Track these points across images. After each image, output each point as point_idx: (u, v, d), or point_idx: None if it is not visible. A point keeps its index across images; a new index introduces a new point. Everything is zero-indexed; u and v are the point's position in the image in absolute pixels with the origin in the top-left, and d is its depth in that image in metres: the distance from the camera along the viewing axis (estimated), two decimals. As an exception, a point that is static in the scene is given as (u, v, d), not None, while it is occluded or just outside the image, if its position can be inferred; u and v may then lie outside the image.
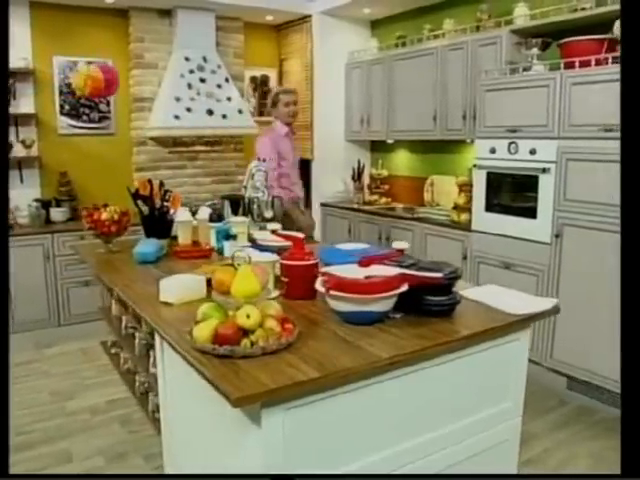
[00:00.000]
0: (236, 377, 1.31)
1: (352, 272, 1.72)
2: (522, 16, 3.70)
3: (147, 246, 2.60)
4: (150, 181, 2.94)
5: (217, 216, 2.90)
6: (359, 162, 5.40)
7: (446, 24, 4.29)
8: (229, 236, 2.70)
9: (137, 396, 2.50)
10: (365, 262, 1.74)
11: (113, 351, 2.98)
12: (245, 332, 1.45)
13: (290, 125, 3.93)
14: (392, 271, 1.73)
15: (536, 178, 3.32)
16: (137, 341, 2.47)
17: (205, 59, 4.67)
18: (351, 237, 4.98)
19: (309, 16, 5.07)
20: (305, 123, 5.38)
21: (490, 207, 3.66)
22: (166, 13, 4.61)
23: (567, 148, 3.14)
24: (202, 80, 4.62)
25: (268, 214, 3.24)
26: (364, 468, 1.53)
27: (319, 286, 1.72)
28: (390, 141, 5.18)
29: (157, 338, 2.02)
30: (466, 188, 4.01)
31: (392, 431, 1.59)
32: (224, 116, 4.68)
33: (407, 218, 4.46)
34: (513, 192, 3.52)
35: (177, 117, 4.43)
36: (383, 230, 4.69)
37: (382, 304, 1.67)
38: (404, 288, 1.69)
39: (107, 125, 4.63)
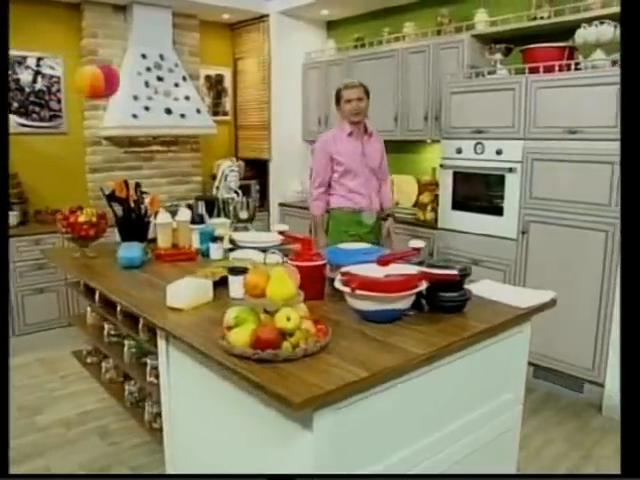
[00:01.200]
0: (286, 381, 1.30)
1: (372, 271, 1.74)
2: (482, 22, 3.85)
3: (132, 250, 2.50)
4: (126, 182, 2.83)
5: (199, 218, 2.83)
6: (317, 162, 5.43)
7: (406, 27, 4.39)
8: (215, 238, 2.65)
9: (126, 406, 2.40)
10: (384, 261, 1.77)
11: (89, 360, 2.84)
12: (283, 335, 1.43)
13: (358, 124, 3.31)
14: (410, 269, 1.77)
15: (502, 177, 3.48)
16: (126, 349, 2.37)
17: (162, 57, 4.53)
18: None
19: (266, 15, 5.03)
20: (263, 123, 5.34)
21: (456, 205, 3.79)
22: (121, 8, 4.44)
23: (532, 149, 3.30)
24: (159, 78, 4.48)
25: (243, 215, 3.21)
26: (395, 464, 1.55)
27: (340, 286, 1.73)
28: (348, 141, 5.23)
29: (162, 345, 1.95)
30: (431, 187, 4.13)
31: (417, 426, 1.62)
32: (182, 115, 4.57)
33: (371, 217, 4.53)
34: (480, 191, 3.66)
35: (135, 116, 4.27)
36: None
37: (405, 302, 1.71)
38: (424, 286, 1.74)
39: (59, 124, 4.40)
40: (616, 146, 2.93)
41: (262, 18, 5.08)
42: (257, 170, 5.44)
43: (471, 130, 3.62)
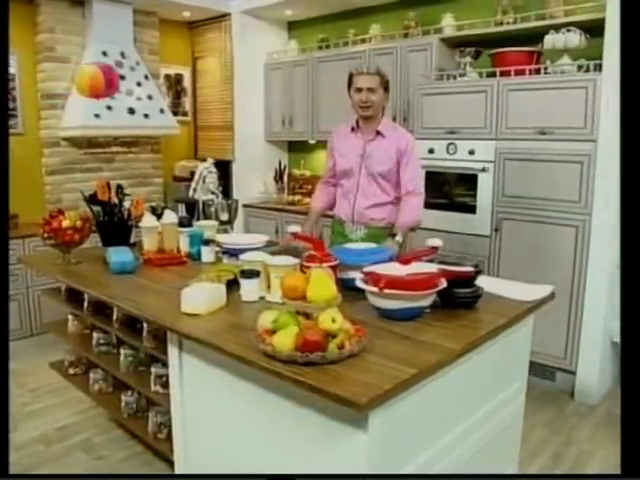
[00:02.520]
0: (341, 382, 1.30)
1: (395, 270, 1.76)
2: (449, 26, 3.97)
3: (123, 255, 2.41)
4: (108, 184, 2.72)
5: (187, 220, 2.76)
6: (280, 163, 5.42)
7: (373, 29, 4.45)
8: (207, 241, 2.59)
9: (123, 417, 2.30)
10: (405, 260, 1.79)
11: (72, 372, 2.70)
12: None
13: (368, 120, 2.79)
14: (430, 268, 1.81)
15: (475, 176, 3.60)
16: (122, 358, 2.28)
17: (123, 55, 4.38)
18: (280, 238, 4.97)
19: (228, 14, 4.96)
20: (225, 123, 5.26)
21: (429, 204, 3.87)
22: (79, 3, 4.25)
23: (504, 149, 3.44)
24: (121, 77, 4.31)
25: (224, 217, 3.16)
26: (427, 461, 1.58)
27: (363, 285, 1.74)
28: (312, 141, 5.25)
29: (173, 352, 1.89)
30: (402, 187, 4.20)
31: (443, 422, 1.66)
32: (146, 115, 4.43)
33: (341, 217, 4.56)
34: (453, 189, 3.77)
35: (97, 116, 4.11)
36: (315, 229, 4.74)
37: (428, 299, 1.74)
38: (445, 283, 1.78)
39: (14, 124, 4.16)
40: (585, 146, 3.10)
41: (223, 17, 5.01)
42: (219, 171, 5.34)
43: (443, 131, 3.72)
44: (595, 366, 3.25)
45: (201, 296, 1.81)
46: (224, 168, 5.42)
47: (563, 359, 3.36)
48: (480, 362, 1.76)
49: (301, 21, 5.21)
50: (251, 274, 1.93)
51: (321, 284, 1.46)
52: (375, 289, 1.68)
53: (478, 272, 1.90)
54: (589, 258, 3.18)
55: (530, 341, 2.11)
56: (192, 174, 5.33)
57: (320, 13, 4.94)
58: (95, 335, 2.48)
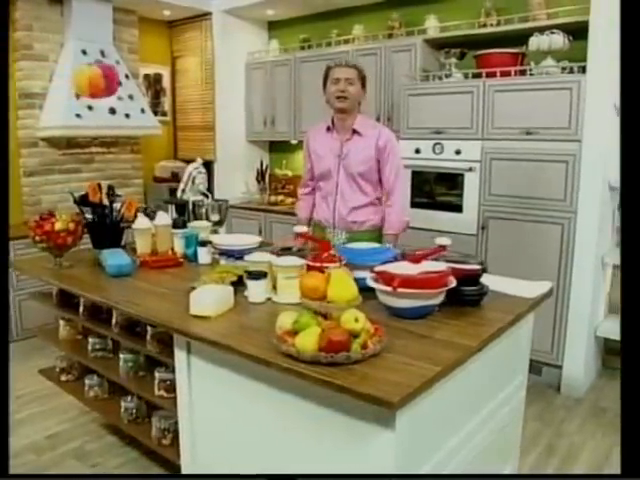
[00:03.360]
0: (369, 381, 1.31)
1: (407, 269, 1.78)
2: (433, 27, 4.02)
3: (120, 257, 2.36)
4: (99, 185, 2.66)
5: (182, 222, 2.72)
6: (262, 163, 5.39)
7: (355, 30, 4.47)
8: (204, 242, 2.57)
9: (124, 423, 2.25)
10: (416, 259, 1.81)
11: (64, 378, 2.63)
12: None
13: (343, 114, 2.71)
14: (440, 266, 1.82)
15: (462, 176, 3.65)
16: (121, 363, 2.23)
17: (103, 53, 4.29)
18: (265, 238, 4.95)
19: (209, 13, 4.91)
20: (206, 123, 5.21)
21: (416, 203, 3.92)
22: (57, 1, 4.14)
23: (491, 149, 3.50)
24: (102, 76, 4.24)
25: (214, 217, 3.13)
26: (445, 457, 1.60)
27: (376, 284, 1.75)
28: (294, 141, 5.24)
29: (180, 356, 1.87)
30: (388, 186, 4.23)
31: (457, 418, 1.68)
32: (127, 115, 4.35)
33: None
34: (439, 189, 3.81)
35: (78, 116, 4.01)
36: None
37: (440, 297, 1.76)
38: (455, 281, 1.80)
39: (-10, 124, 4.02)
40: (570, 146, 3.18)
41: (204, 16, 4.95)
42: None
43: (429, 131, 3.76)
44: (580, 360, 3.34)
45: (210, 298, 1.79)
46: (206, 169, 5.37)
47: (549, 354, 3.44)
48: (488, 359, 1.78)
49: (282, 21, 5.19)
50: (258, 275, 1.92)
51: (342, 284, 1.46)
52: (389, 288, 1.69)
53: (484, 270, 1.94)
54: (574, 255, 3.26)
55: (530, 337, 2.16)
56: (173, 175, 5.29)
57: (302, 13, 4.93)
58: (91, 340, 2.42)
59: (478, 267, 1.87)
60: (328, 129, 2.83)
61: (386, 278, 1.71)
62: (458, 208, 3.71)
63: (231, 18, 4.98)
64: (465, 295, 1.89)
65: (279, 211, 4.98)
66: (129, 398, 2.26)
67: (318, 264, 1.90)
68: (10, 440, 2.79)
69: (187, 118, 5.39)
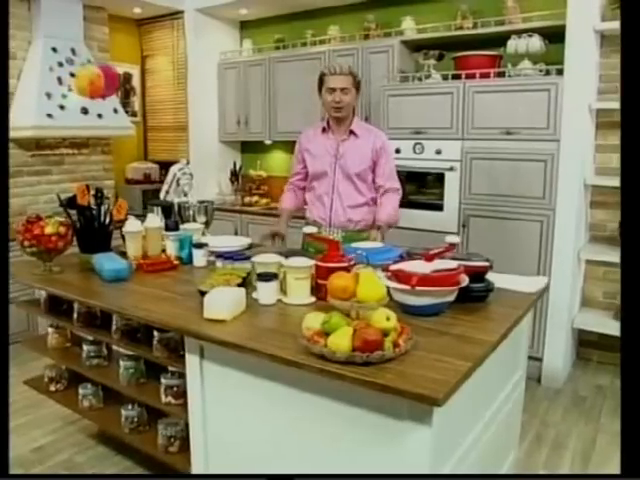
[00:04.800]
0: (408, 379, 1.32)
1: (421, 267, 1.80)
2: (410, 29, 4.08)
3: (116, 262, 2.30)
4: (88, 187, 2.58)
5: (174, 224, 2.67)
6: (235, 164, 5.35)
7: (331, 30, 4.49)
8: (200, 245, 2.53)
9: (125, 432, 2.19)
10: (429, 257, 1.84)
11: (53, 388, 2.54)
12: (377, 335, 1.44)
13: (340, 121, 2.77)
14: (451, 264, 1.86)
15: (442, 175, 3.72)
16: (122, 370, 2.17)
17: (74, 51, 4.15)
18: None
19: (181, 12, 4.83)
20: (179, 124, 5.12)
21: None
22: (24, -4, 3.99)
23: (471, 148, 3.58)
24: (73, 75, 4.09)
25: (201, 219, 3.10)
26: (465, 453, 1.63)
27: (391, 283, 1.77)
28: (268, 142, 5.22)
29: (193, 361, 1.83)
30: (367, 186, 4.27)
31: (474, 413, 1.72)
32: (100, 115, 4.22)
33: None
34: (420, 188, 3.88)
35: (50, 116, 3.87)
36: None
37: (454, 294, 1.80)
38: (467, 279, 1.84)
39: (-46, 124, 3.83)
40: (548, 146, 3.30)
41: (176, 15, 4.87)
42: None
43: (410, 131, 3.81)
44: (560, 352, 3.46)
45: (226, 301, 1.77)
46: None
47: (530, 347, 3.53)
48: (500, 352, 1.82)
49: (255, 21, 5.16)
50: (269, 277, 1.91)
51: (371, 284, 1.47)
52: (407, 287, 1.71)
53: (491, 267, 1.99)
54: (553, 251, 3.38)
55: (527, 329, 2.23)
56: (146, 176, 5.18)
57: (276, 13, 4.92)
58: (85, 348, 2.35)
59: (487, 264, 1.92)
60: (324, 130, 2.86)
61: (403, 276, 1.74)
62: (439, 207, 3.78)
63: (203, 17, 4.91)
64: (473, 291, 1.94)
65: (255, 212, 4.96)
66: (130, 406, 2.20)
67: (341, 264, 1.90)
68: (-6, 455, 2.68)
69: (158, 118, 5.29)
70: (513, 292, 2.09)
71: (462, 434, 1.62)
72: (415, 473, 1.38)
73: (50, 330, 2.56)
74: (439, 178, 3.75)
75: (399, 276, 1.76)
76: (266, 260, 2.00)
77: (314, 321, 1.49)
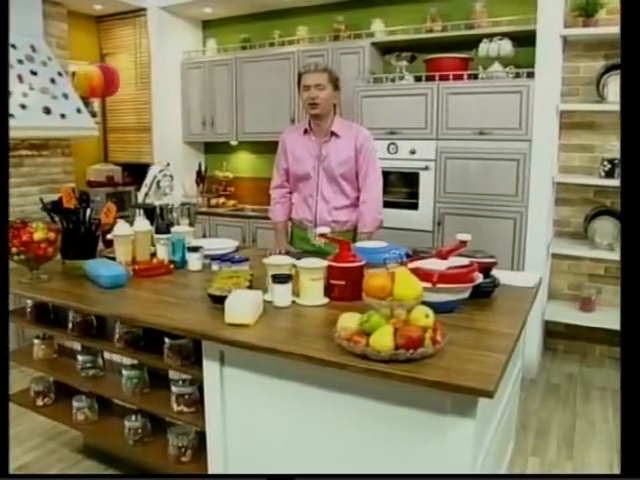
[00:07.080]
0: (456, 373, 1.35)
1: (437, 265, 1.85)
2: (379, 30, 4.14)
3: (113, 268, 2.22)
4: (74, 190, 2.48)
5: (165, 227, 2.60)
6: (200, 165, 5.26)
7: (300, 31, 4.49)
8: (195, 248, 2.48)
9: (129, 444, 2.11)
10: (444, 254, 1.88)
11: (41, 403, 2.41)
12: (413, 332, 1.47)
13: (318, 119, 2.76)
14: (463, 261, 1.92)
15: (417, 175, 3.81)
16: (125, 380, 2.10)
17: (33, 48, 3.95)
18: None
19: (143, 9, 4.70)
20: (142, 125, 4.97)
21: (372, 202, 4.02)
22: (-21, -11, 3.75)
23: (445, 148, 3.68)
24: (33, 73, 3.91)
25: (184, 221, 3.03)
26: (491, 439, 1.69)
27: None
28: (234, 143, 5.16)
29: (213, 367, 1.79)
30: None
31: (498, 400, 1.78)
32: (63, 116, 4.04)
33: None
34: (394, 187, 3.94)
35: (11, 115, 3.67)
36: (247, 232, 4.69)
37: (469, 290, 1.85)
38: (480, 275, 1.90)
39: None
40: (520, 145, 3.44)
41: (138, 12, 4.73)
42: (135, 175, 5.05)
43: (384, 131, 3.87)
44: (535, 344, 3.62)
45: (249, 305, 1.74)
46: (140, 172, 5.12)
47: (505, 339, 3.69)
48: (512, 344, 1.91)
49: (219, 20, 5.09)
50: (285, 279, 1.90)
51: (408, 282, 1.50)
52: (427, 284, 1.74)
53: (496, 262, 2.06)
54: (526, 246, 3.52)
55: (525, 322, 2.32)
56: (108, 179, 5.00)
57: (241, 12, 4.87)
58: (80, 358, 2.25)
59: (494, 260, 1.99)
60: (305, 132, 2.86)
61: (423, 274, 1.77)
62: (414, 206, 3.86)
63: (166, 15, 4.80)
64: (482, 287, 2.00)
65: (223, 214, 4.90)
66: (133, 417, 2.13)
67: (355, 264, 1.91)
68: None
69: (120, 119, 5.11)
70: (513, 287, 2.17)
71: (489, 425, 1.67)
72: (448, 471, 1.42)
73: (36, 341, 2.44)
74: (414, 177, 3.83)
75: (419, 274, 1.79)
76: (279, 262, 1.99)
77: (350, 321, 1.50)
